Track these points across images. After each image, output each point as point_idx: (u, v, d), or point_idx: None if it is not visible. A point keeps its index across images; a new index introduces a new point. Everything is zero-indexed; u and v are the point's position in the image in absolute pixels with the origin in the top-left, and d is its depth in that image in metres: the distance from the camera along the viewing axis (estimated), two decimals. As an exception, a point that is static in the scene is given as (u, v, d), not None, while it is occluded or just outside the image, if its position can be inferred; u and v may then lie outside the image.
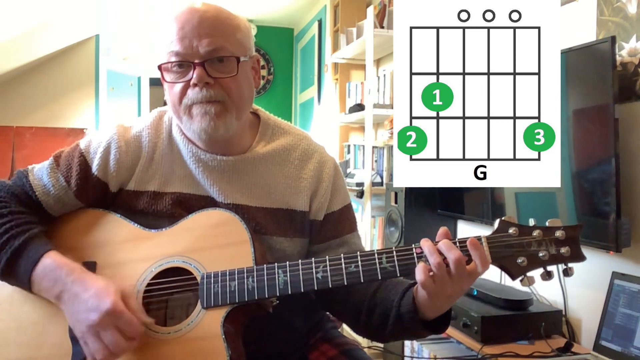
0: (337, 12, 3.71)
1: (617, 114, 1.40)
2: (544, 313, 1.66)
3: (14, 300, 1.00)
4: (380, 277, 0.91)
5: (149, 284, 0.97)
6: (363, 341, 2.71)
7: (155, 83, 4.62)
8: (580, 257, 0.88)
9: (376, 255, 0.91)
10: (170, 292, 0.98)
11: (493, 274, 2.10)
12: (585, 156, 1.55)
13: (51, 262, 0.92)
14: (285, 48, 5.32)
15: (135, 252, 0.99)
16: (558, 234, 0.88)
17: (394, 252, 0.91)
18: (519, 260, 0.88)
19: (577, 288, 1.71)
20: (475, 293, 1.82)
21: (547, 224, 0.90)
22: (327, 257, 0.93)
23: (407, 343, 2.04)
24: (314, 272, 0.92)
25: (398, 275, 0.90)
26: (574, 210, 1.59)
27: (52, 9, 2.95)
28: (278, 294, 0.93)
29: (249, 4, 4.55)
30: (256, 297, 0.93)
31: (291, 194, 1.07)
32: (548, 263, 0.88)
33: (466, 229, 2.38)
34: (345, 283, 0.91)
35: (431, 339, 1.92)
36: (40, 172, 1.04)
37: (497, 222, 0.91)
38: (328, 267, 0.92)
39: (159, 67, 1.00)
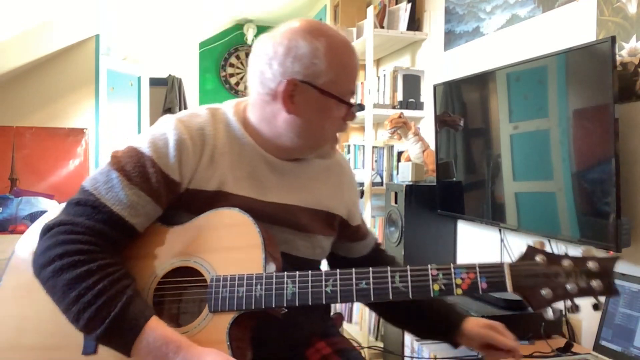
0: (337, 12, 3.71)
1: (617, 114, 1.40)
2: (544, 313, 1.66)
3: (33, 287, 0.99)
4: (391, 297, 0.89)
5: (160, 282, 0.97)
6: (363, 341, 2.71)
7: (155, 83, 4.63)
8: (613, 292, 0.83)
9: (389, 272, 0.90)
10: (182, 292, 0.98)
11: (493, 274, 2.10)
12: (585, 156, 1.55)
13: (154, 336, 0.87)
14: (285, 48, 5.32)
15: (150, 247, 0.99)
16: (590, 265, 0.83)
17: (408, 272, 0.89)
18: (543, 292, 0.84)
19: (577, 288, 1.71)
20: (475, 293, 1.82)
21: (581, 253, 0.84)
22: (337, 270, 0.92)
23: (407, 343, 2.04)
24: (323, 285, 0.91)
25: (410, 297, 0.88)
26: (574, 210, 1.59)
27: (52, 9, 2.95)
28: (285, 305, 0.92)
29: (249, 4, 4.55)
30: (263, 306, 0.92)
31: (331, 198, 1.15)
32: (575, 296, 0.83)
33: (466, 229, 2.38)
34: (355, 300, 0.90)
35: (431, 339, 1.92)
36: (113, 194, 0.94)
37: (525, 248, 0.87)
38: (338, 281, 0.91)
39: (329, 93, 1.00)
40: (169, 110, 4.72)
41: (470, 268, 0.87)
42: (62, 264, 0.88)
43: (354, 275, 0.90)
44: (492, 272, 0.87)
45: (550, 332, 1.64)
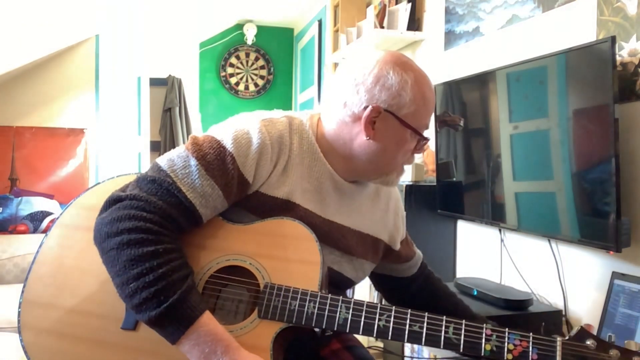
0: (337, 12, 3.71)
1: (617, 114, 1.40)
2: (544, 313, 1.66)
3: (81, 251, 0.99)
4: (441, 347, 0.90)
5: (212, 275, 0.98)
6: (363, 341, 2.71)
7: (155, 83, 4.63)
8: None
9: (444, 322, 0.91)
10: (229, 289, 0.99)
11: (493, 274, 2.10)
12: (585, 156, 1.55)
13: (206, 331, 0.87)
14: (285, 48, 5.32)
15: (209, 240, 0.99)
16: (635, 359, 0.86)
17: (463, 326, 0.90)
18: None
19: (577, 288, 1.71)
20: (475, 293, 1.82)
21: (624, 344, 0.88)
22: (393, 307, 0.92)
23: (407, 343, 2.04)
24: (376, 319, 0.92)
25: (460, 350, 0.89)
26: (574, 210, 1.59)
27: (52, 9, 2.95)
28: (335, 329, 0.92)
29: (249, 4, 4.56)
30: (313, 325, 0.92)
31: (377, 222, 1.17)
32: None
33: (466, 229, 2.38)
34: (405, 341, 0.91)
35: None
36: (189, 180, 0.94)
37: (577, 328, 0.89)
38: (392, 318, 0.91)
39: (408, 125, 1.03)
40: (169, 110, 4.72)
41: (524, 336, 0.89)
42: (130, 239, 0.87)
43: (409, 316, 0.91)
44: (544, 345, 0.89)
45: (550, 332, 1.63)
